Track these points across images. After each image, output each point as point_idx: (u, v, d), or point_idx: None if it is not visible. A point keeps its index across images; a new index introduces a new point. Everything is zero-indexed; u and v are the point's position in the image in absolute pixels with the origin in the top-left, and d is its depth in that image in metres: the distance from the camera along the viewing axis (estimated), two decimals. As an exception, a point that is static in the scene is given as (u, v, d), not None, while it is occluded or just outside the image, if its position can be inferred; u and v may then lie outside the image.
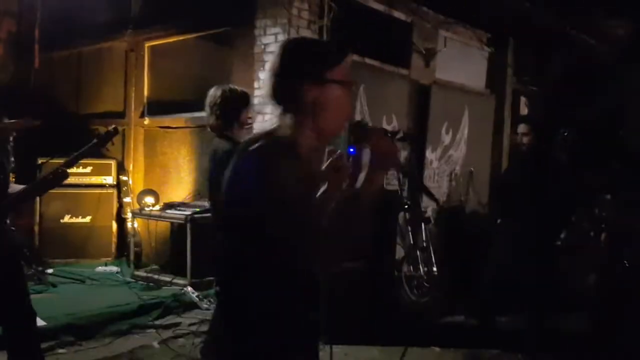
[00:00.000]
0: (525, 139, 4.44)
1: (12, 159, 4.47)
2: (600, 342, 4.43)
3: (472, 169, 6.93)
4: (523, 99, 8.23)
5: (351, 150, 5.09)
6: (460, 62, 6.96)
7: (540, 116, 7.83)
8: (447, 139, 6.68)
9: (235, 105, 3.43)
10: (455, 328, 4.89)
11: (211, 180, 3.40)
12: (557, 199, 4.27)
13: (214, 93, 3.44)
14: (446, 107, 6.53)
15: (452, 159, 6.77)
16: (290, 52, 1.58)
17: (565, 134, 7.14)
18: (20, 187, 2.74)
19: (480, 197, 6.85)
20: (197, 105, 5.97)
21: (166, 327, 4.36)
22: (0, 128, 4.31)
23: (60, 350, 3.77)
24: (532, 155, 4.46)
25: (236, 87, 3.60)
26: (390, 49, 5.86)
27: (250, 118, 3.62)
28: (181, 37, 6.16)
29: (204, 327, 4.23)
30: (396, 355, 4.08)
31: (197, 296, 4.88)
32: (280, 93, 1.56)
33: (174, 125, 6.23)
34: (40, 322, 2.92)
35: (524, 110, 8.27)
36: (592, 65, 7.15)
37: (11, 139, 4.58)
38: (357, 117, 5.45)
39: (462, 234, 5.87)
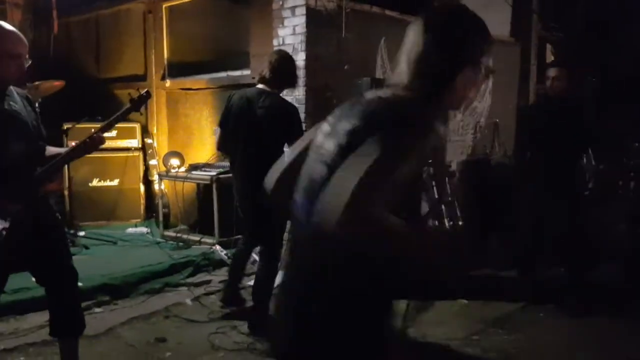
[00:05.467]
0: (555, 83, 4.29)
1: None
2: (633, 293, 4.43)
3: (497, 120, 6.81)
4: (549, 47, 7.99)
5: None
6: (483, 10, 6.71)
7: (568, 63, 7.62)
8: (470, 90, 6.56)
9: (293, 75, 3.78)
10: (481, 281, 4.93)
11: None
12: (577, 141, 4.22)
13: (281, 56, 3.75)
14: (470, 58, 6.37)
15: (476, 111, 6.66)
16: (466, 25, 1.47)
17: (593, 79, 6.95)
18: (56, 149, 2.79)
19: (506, 149, 6.76)
20: (217, 65, 5.97)
21: (197, 284, 4.48)
22: (35, 87, 4.41)
23: (97, 310, 3.92)
24: (559, 98, 4.33)
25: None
26: (411, -1, 5.71)
27: None
28: (198, -3, 6.09)
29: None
30: (424, 308, 4.16)
31: (225, 254, 4.98)
32: (435, 66, 1.44)
33: (195, 87, 6.22)
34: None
35: (550, 58, 8.03)
36: (617, 9, 6.87)
37: (37, 104, 4.62)
38: (379, 71, 5.38)
39: (488, 186, 5.83)
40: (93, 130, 2.74)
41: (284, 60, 3.69)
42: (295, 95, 4.78)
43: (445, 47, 1.44)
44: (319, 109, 4.77)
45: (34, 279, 2.83)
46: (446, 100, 1.49)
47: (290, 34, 4.80)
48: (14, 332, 3.44)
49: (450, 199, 5.43)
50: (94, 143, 2.66)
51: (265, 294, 3.62)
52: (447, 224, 5.32)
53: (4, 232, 2.41)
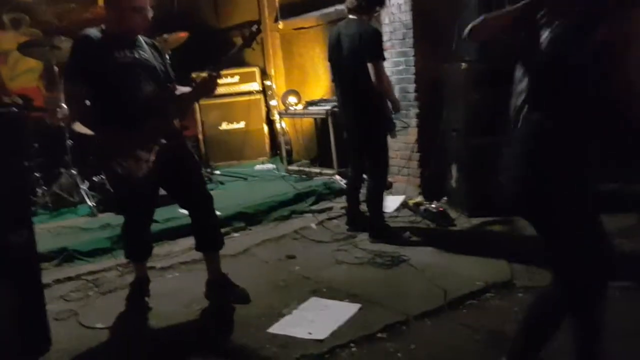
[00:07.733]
0: None
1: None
2: None
3: None
4: None
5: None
6: None
7: None
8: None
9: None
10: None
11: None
12: None
13: None
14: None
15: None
16: None
17: None
18: (185, 88, 3.13)
19: None
20: (325, 1, 6.07)
21: (321, 211, 4.82)
22: (163, 39, 4.95)
23: (235, 234, 4.41)
24: None
25: None
26: None
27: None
28: None
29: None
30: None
31: (345, 183, 5.25)
32: None
33: (307, 25, 6.40)
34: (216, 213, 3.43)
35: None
36: None
37: (167, 55, 5.10)
38: None
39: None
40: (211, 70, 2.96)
41: None
42: (402, 21, 4.79)
43: None
44: (426, 31, 4.74)
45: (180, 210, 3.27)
46: None
47: (393, -41, 4.76)
48: (167, 254, 4.00)
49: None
50: (212, 80, 2.91)
51: (376, 206, 3.98)
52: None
53: (151, 163, 2.83)
